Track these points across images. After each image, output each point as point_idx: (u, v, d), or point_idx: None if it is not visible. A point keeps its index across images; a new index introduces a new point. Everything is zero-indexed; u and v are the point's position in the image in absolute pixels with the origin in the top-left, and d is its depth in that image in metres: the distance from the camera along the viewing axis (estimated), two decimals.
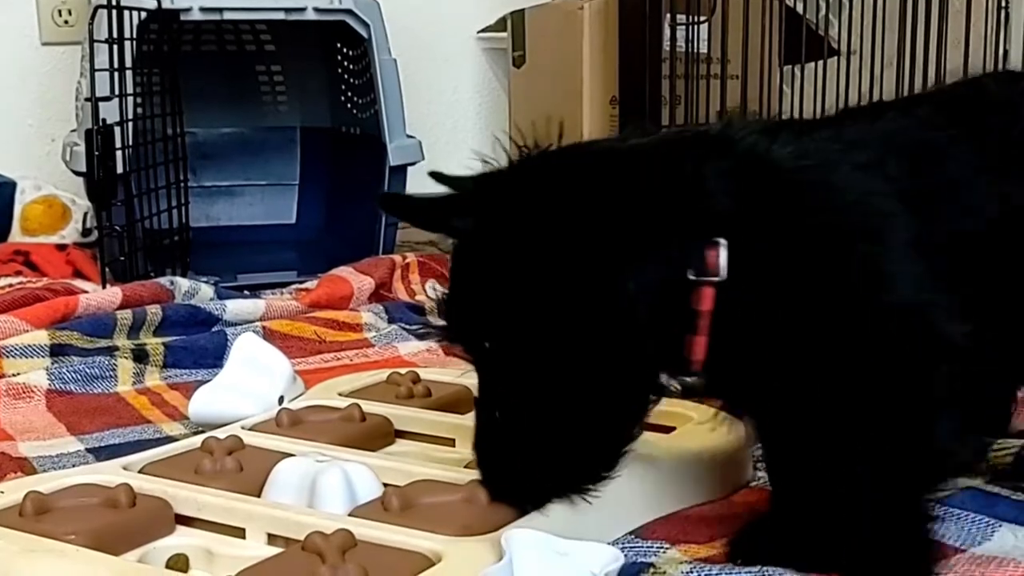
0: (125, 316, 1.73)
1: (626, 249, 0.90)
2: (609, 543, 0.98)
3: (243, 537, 1.01)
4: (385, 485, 1.06)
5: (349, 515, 1.00)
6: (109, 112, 2.00)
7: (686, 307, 0.92)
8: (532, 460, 0.94)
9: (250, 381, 1.34)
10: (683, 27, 2.19)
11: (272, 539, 1.00)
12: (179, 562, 0.98)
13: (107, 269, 2.04)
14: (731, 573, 0.99)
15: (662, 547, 1.05)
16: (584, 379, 0.92)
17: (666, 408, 1.14)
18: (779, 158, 0.95)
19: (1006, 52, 2.26)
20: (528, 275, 0.91)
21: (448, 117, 2.98)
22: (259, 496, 1.05)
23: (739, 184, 0.93)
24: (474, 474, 1.04)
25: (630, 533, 1.07)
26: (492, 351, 0.94)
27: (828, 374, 0.93)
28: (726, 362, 0.94)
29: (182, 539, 1.02)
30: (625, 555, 0.96)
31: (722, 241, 0.91)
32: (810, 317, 0.92)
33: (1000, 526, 1.08)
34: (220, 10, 2.22)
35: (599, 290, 0.90)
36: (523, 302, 0.91)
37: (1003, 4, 2.24)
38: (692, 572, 0.99)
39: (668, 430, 1.17)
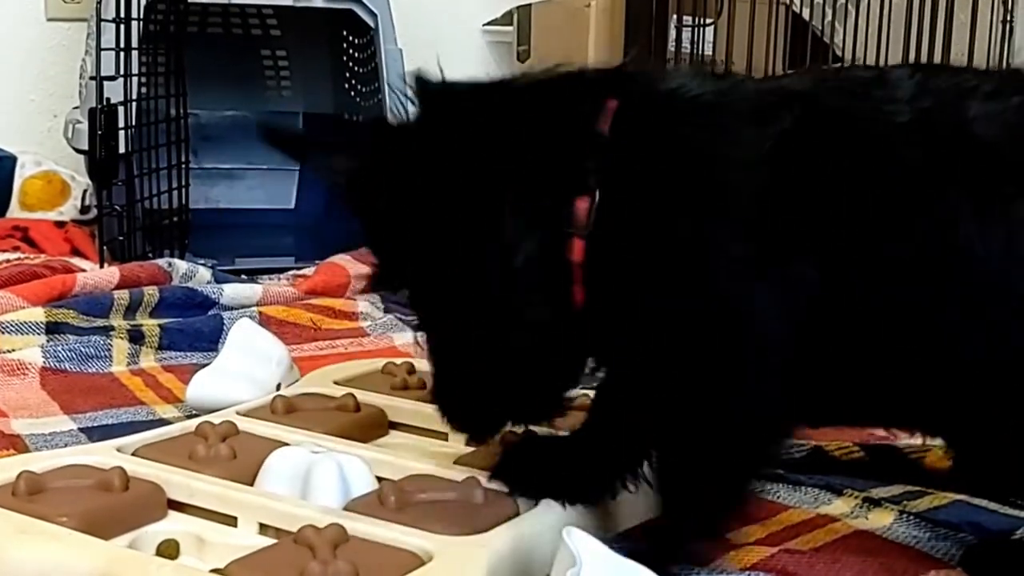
0: (122, 296, 1.73)
1: (506, 200, 0.92)
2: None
3: (235, 526, 1.01)
4: (379, 479, 1.06)
5: (344, 509, 1.00)
6: (113, 91, 2.00)
7: (564, 258, 0.93)
8: (476, 396, 1.01)
9: (249, 367, 1.34)
10: (689, 29, 2.19)
11: (264, 529, 1.00)
12: (169, 548, 0.99)
13: (105, 248, 2.04)
14: (722, 572, 1.00)
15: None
16: (493, 324, 0.95)
17: None
18: (663, 107, 0.94)
19: (1009, 65, 2.27)
20: (420, 222, 0.94)
21: None
22: (252, 484, 1.06)
23: (619, 132, 0.93)
24: (469, 471, 1.06)
25: (619, 534, 1.08)
26: (410, 297, 1.00)
27: (659, 338, 0.94)
28: (597, 313, 0.95)
29: (173, 525, 1.01)
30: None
31: (596, 192, 0.92)
32: (647, 279, 0.92)
33: None
34: None
35: (483, 242, 0.93)
36: (418, 250, 0.95)
37: (1007, 18, 2.24)
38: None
39: None
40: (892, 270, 0.89)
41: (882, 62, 2.04)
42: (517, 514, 1.00)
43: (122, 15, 1.99)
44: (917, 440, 1.23)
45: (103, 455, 1.10)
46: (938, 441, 1.18)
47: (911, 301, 0.89)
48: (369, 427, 1.23)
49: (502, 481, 1.02)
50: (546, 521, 0.99)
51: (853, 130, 0.92)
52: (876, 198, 0.90)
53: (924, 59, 1.96)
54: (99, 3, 2.05)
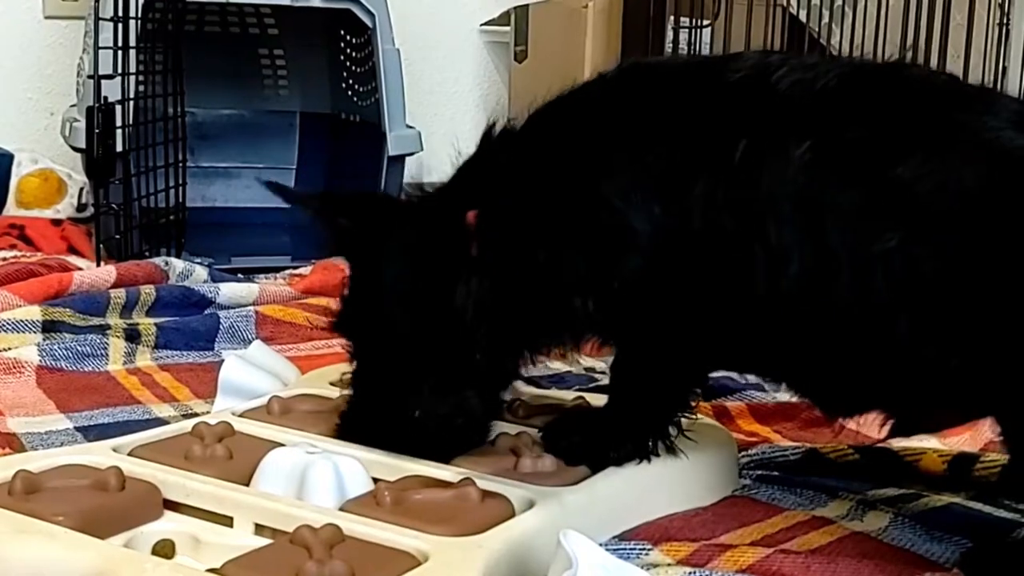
0: (118, 295, 1.73)
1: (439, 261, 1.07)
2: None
3: (231, 526, 1.01)
4: (375, 479, 1.06)
5: (340, 509, 1.00)
6: (111, 90, 2.00)
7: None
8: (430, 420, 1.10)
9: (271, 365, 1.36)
10: (686, 30, 2.19)
11: (260, 529, 1.00)
12: (165, 548, 0.99)
13: (102, 247, 2.04)
14: (717, 573, 1.00)
15: (645, 548, 1.06)
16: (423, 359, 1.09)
17: None
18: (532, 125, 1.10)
19: (1005, 68, 2.27)
20: (374, 281, 1.10)
21: (447, 108, 2.98)
22: (248, 484, 1.06)
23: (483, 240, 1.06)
24: (465, 471, 1.06)
25: (613, 536, 1.08)
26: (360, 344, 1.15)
27: None
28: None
29: (169, 524, 1.02)
30: None
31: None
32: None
33: None
34: None
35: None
36: (377, 305, 1.10)
37: (1003, 21, 2.25)
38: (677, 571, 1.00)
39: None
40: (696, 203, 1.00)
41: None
42: (512, 515, 1.00)
43: (120, 14, 1.99)
44: (912, 443, 1.24)
45: (99, 455, 1.10)
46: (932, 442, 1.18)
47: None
48: None
49: (552, 452, 1.11)
50: (542, 522, 0.99)
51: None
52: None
53: (921, 60, 1.96)
54: (97, 1, 2.05)
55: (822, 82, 0.99)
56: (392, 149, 2.33)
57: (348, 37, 2.53)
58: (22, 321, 1.61)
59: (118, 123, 2.01)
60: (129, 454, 1.11)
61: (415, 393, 1.09)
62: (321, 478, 1.04)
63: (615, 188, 1.02)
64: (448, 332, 1.06)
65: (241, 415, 1.23)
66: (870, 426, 1.13)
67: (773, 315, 0.99)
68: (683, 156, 1.01)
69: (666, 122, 1.04)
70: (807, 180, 0.96)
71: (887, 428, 1.09)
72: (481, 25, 2.99)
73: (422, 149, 2.40)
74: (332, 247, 1.20)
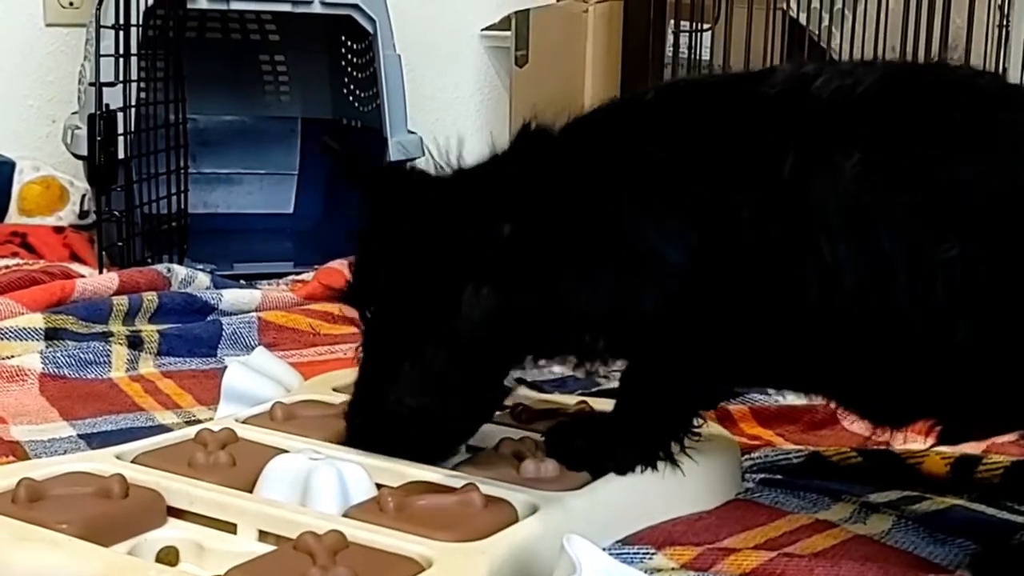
0: (121, 302, 1.73)
1: (453, 257, 1.05)
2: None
3: (234, 533, 1.01)
4: (378, 485, 1.06)
5: (344, 515, 1.00)
6: (112, 97, 2.00)
7: None
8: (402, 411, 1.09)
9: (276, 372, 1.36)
10: (686, 34, 2.20)
11: (263, 536, 1.00)
12: (169, 555, 0.99)
13: (104, 254, 2.04)
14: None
15: (648, 552, 1.06)
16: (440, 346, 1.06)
17: None
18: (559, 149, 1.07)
19: (1005, 69, 2.27)
20: (397, 268, 1.08)
21: (448, 114, 2.98)
22: (252, 491, 1.06)
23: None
24: (470, 478, 1.06)
25: (616, 541, 1.08)
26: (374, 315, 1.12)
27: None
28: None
29: (173, 532, 1.01)
30: None
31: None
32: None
33: None
34: None
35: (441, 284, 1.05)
36: (392, 286, 1.08)
37: (1003, 23, 2.25)
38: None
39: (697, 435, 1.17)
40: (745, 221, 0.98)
41: None
42: (516, 520, 1.00)
43: (121, 21, 1.99)
44: (915, 445, 1.24)
45: (103, 462, 1.10)
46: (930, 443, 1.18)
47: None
48: None
49: (554, 456, 1.11)
50: (545, 527, 0.99)
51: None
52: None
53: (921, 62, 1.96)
54: (98, 9, 2.05)
55: (862, 88, 0.98)
56: (394, 154, 2.33)
57: (349, 43, 2.53)
58: (25, 329, 1.62)
59: (120, 130, 2.01)
60: (132, 461, 1.11)
61: (392, 380, 1.09)
62: (324, 484, 1.04)
63: (651, 219, 1.00)
64: (441, 326, 1.05)
65: (244, 421, 1.22)
66: (915, 435, 1.12)
67: (824, 330, 0.97)
68: (727, 180, 0.99)
69: (708, 147, 1.02)
70: (858, 190, 0.94)
71: (933, 437, 1.08)
72: (482, 30, 2.99)
73: (424, 154, 2.40)
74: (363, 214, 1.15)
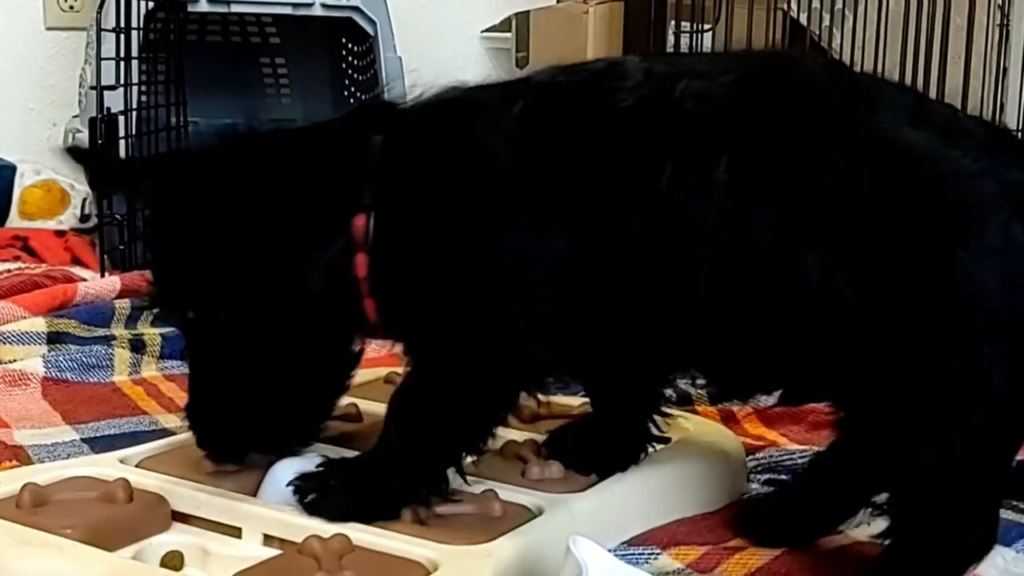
0: (123, 305, 1.73)
1: (295, 225, 1.00)
2: None
3: (239, 537, 1.01)
4: None
5: None
6: (113, 101, 2.00)
7: (351, 274, 1.00)
8: (238, 418, 1.06)
9: None
10: (687, 35, 2.20)
11: (268, 540, 1.00)
12: (174, 560, 0.99)
13: (106, 257, 2.04)
14: None
15: (653, 552, 1.06)
16: (275, 345, 1.03)
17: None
18: (419, 131, 1.04)
19: (1005, 69, 2.27)
20: (215, 250, 1.01)
21: None
22: (256, 495, 1.06)
23: (386, 161, 1.01)
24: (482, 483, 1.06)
25: (623, 542, 1.08)
26: (195, 320, 1.05)
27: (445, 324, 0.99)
28: (394, 318, 1.02)
29: (178, 536, 1.02)
30: None
31: (370, 211, 0.99)
32: (428, 273, 0.99)
33: None
34: (228, 2, 2.22)
35: (277, 265, 1.00)
36: (215, 276, 1.01)
37: (1003, 22, 2.25)
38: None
39: (664, 441, 1.18)
40: (622, 234, 0.96)
41: (880, 66, 2.04)
42: (521, 523, 1.00)
43: (122, 24, 1.99)
44: None
45: (107, 466, 1.10)
46: None
47: (642, 256, 0.96)
48: (372, 436, 1.23)
49: (302, 506, 1.01)
50: (552, 529, 0.99)
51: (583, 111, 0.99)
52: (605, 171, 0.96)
53: (922, 63, 1.96)
54: (99, 12, 2.05)
55: (723, 91, 0.96)
56: None
57: (350, 45, 2.53)
58: (27, 333, 1.61)
59: (121, 133, 2.01)
60: (137, 465, 1.11)
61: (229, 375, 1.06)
62: None
63: (523, 229, 0.97)
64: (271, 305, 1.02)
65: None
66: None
67: (703, 328, 0.97)
68: (601, 190, 0.97)
69: (580, 155, 0.98)
70: (727, 200, 0.93)
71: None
72: (482, 32, 2.99)
73: None
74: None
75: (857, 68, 2.12)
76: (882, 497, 1.18)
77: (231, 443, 1.08)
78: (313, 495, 1.01)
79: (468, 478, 1.05)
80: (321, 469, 1.03)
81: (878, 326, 0.91)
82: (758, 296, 0.93)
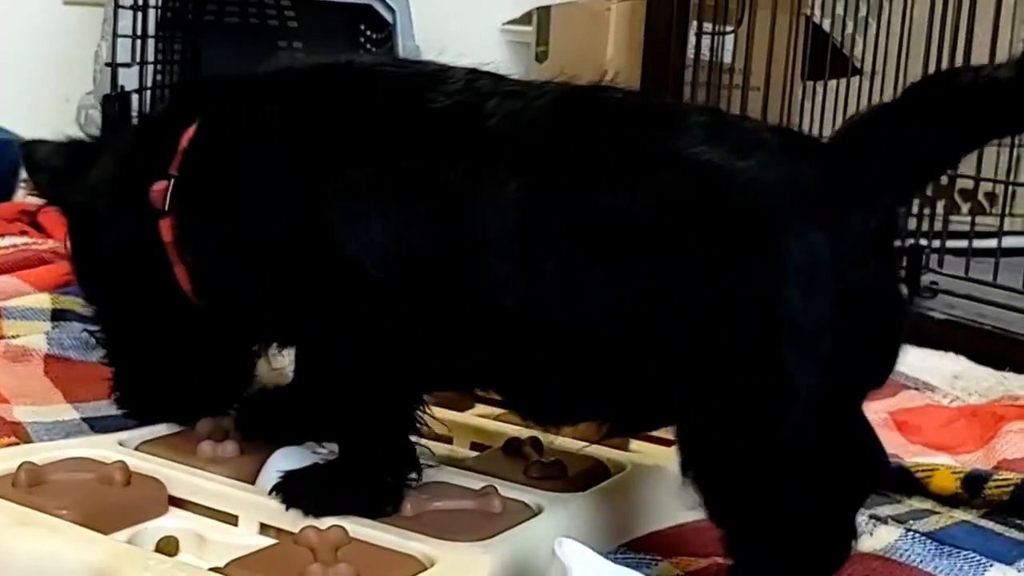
0: None
1: (100, 197, 1.13)
2: (603, 555, 0.98)
3: (236, 524, 1.01)
4: None
5: None
6: (127, 78, 1.99)
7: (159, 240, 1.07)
8: (135, 379, 1.18)
9: None
10: (708, 36, 2.19)
11: (264, 529, 0.99)
12: (169, 545, 0.98)
13: None
14: None
15: (654, 559, 1.05)
16: (126, 312, 1.15)
17: None
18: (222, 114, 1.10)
19: None
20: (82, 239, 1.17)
21: None
22: (254, 482, 1.05)
23: (194, 143, 1.07)
24: (480, 479, 1.05)
25: (623, 545, 1.07)
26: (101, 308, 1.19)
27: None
28: (212, 288, 1.07)
29: (174, 521, 1.01)
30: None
31: (172, 176, 1.06)
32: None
33: (992, 565, 1.08)
34: None
35: (100, 237, 1.13)
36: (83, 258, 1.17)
37: None
38: None
39: (669, 443, 1.17)
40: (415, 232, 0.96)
41: (902, 75, 2.03)
42: (521, 521, 0.99)
43: (139, 2, 1.99)
44: (925, 459, 1.23)
45: (105, 448, 1.09)
46: None
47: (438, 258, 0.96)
48: None
49: (282, 501, 1.00)
50: (550, 528, 0.98)
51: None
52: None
53: None
54: None
55: (531, 113, 0.97)
56: None
57: (368, 32, 2.52)
58: (31, 309, 1.60)
59: (134, 111, 2.00)
60: (136, 448, 1.11)
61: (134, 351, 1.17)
62: None
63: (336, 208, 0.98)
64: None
65: None
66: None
67: (493, 337, 0.96)
68: (379, 176, 0.98)
69: (391, 156, 0.99)
70: (519, 214, 0.93)
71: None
72: (503, 24, 2.98)
73: None
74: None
75: (877, 77, 2.12)
76: (887, 509, 1.18)
77: (141, 402, 1.18)
78: (290, 488, 1.00)
79: (469, 475, 1.04)
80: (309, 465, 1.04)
81: (675, 343, 0.90)
82: (556, 311, 0.92)
